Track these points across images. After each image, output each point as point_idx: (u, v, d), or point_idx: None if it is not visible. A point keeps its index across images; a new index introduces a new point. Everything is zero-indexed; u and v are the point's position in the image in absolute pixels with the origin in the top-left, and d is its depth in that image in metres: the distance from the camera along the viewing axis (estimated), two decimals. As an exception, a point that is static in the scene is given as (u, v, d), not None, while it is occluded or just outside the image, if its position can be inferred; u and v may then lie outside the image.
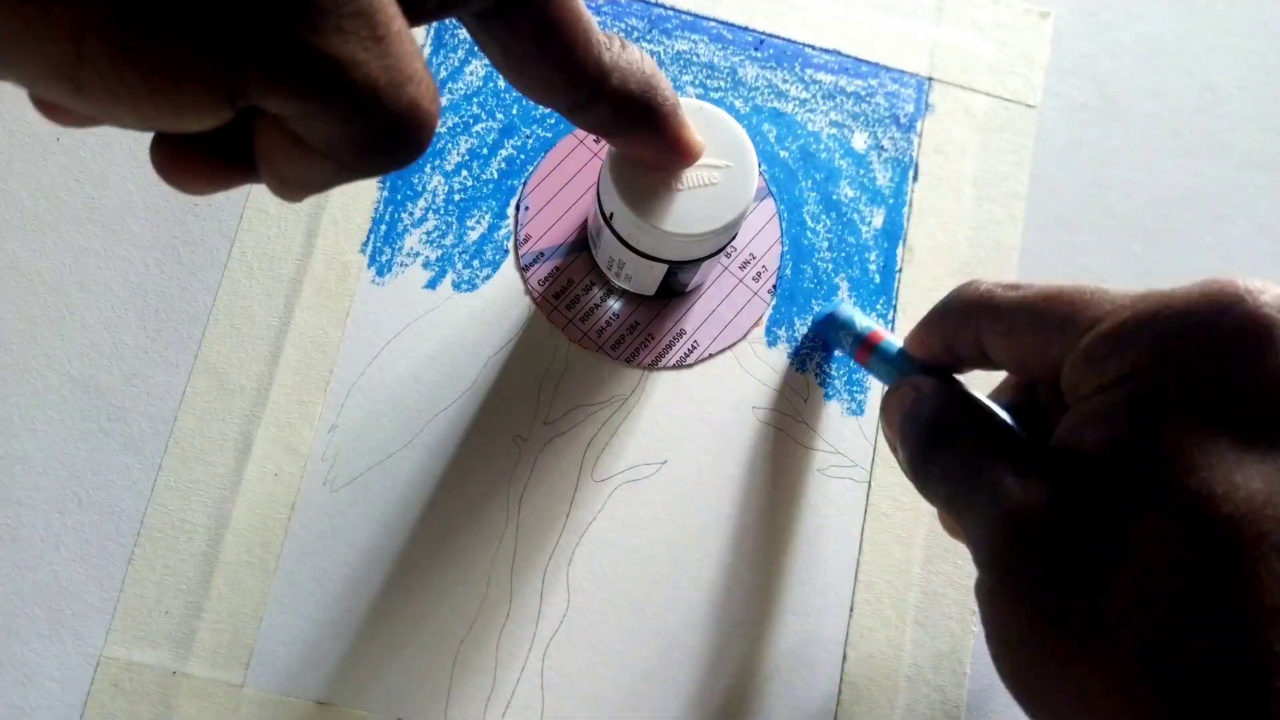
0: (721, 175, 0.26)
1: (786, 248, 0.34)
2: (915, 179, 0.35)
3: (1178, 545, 0.15)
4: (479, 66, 0.35)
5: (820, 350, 0.33)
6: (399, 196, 0.33)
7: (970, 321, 0.22)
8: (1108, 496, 0.16)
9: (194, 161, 0.15)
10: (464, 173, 0.34)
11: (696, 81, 0.36)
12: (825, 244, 0.35)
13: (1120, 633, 0.15)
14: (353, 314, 0.32)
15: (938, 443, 0.21)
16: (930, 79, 0.36)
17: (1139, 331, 0.18)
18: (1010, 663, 0.17)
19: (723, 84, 0.36)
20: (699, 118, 0.26)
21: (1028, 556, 0.17)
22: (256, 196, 0.33)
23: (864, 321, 0.29)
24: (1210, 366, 0.16)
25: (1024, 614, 0.17)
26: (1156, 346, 0.17)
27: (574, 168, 0.34)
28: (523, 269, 0.33)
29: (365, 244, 0.33)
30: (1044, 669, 0.16)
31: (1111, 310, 0.18)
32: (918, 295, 0.34)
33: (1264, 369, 0.16)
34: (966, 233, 0.35)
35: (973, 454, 0.20)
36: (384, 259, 0.33)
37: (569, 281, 0.33)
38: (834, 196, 0.35)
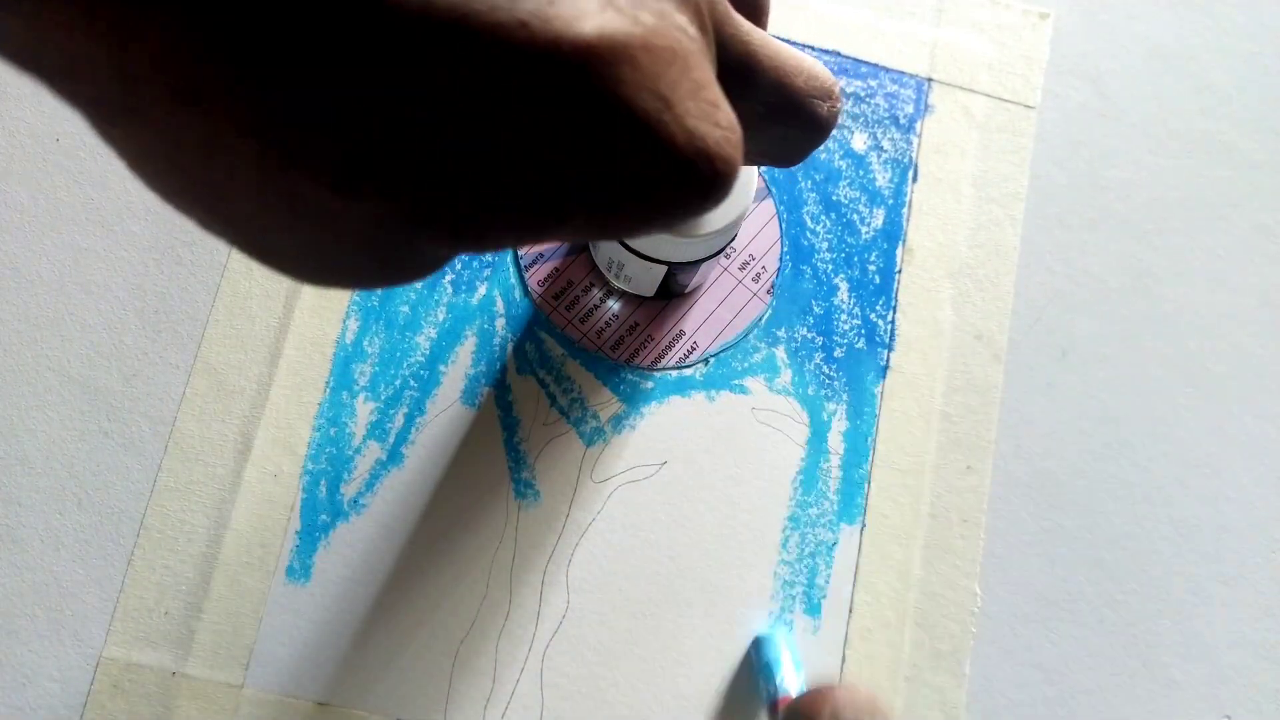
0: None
1: (786, 248, 0.34)
2: (915, 179, 0.35)
3: None
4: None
5: (820, 350, 0.33)
6: (399, 197, 0.33)
7: None
8: None
9: None
10: (464, 173, 0.34)
11: (696, 82, 0.36)
12: (825, 244, 0.35)
13: None
14: (352, 315, 0.32)
15: None
16: (930, 79, 0.36)
17: None
18: None
19: (722, 84, 0.36)
20: None
21: None
22: (256, 197, 0.33)
23: (783, 678, 0.29)
24: None
25: None
26: None
27: (574, 168, 0.34)
28: (523, 269, 0.33)
29: (365, 244, 0.33)
30: None
31: None
32: (917, 295, 0.34)
33: None
34: (966, 233, 0.35)
35: None
36: (384, 259, 0.33)
37: (569, 282, 0.33)
38: (834, 197, 0.35)
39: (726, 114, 0.13)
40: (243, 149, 0.10)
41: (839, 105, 0.17)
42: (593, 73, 0.11)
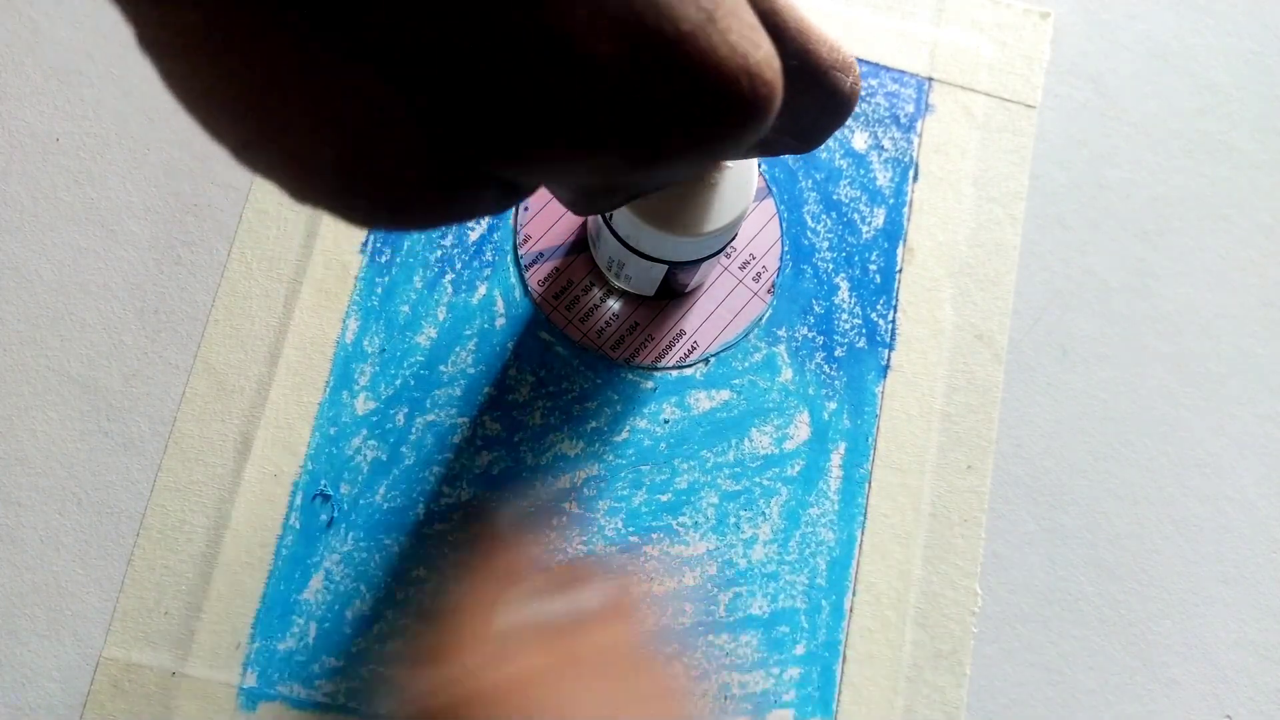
0: (721, 175, 0.26)
1: (786, 248, 0.34)
2: (915, 179, 0.35)
3: None
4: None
5: (820, 350, 0.33)
6: (399, 197, 0.33)
7: None
8: None
9: None
10: (464, 173, 0.34)
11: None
12: (825, 244, 0.35)
13: None
14: (352, 315, 0.32)
15: None
16: (930, 79, 0.36)
17: None
18: None
19: (722, 84, 0.36)
20: None
21: None
22: (256, 197, 0.33)
23: None
24: None
25: None
26: None
27: (574, 168, 0.34)
28: (523, 269, 0.33)
29: (364, 244, 0.33)
30: None
31: None
32: (918, 295, 0.34)
33: None
34: (966, 233, 0.35)
35: None
36: (383, 259, 0.33)
37: (569, 282, 0.33)
38: (834, 196, 0.35)
39: (766, 39, 0.12)
40: (292, 20, 0.10)
41: (860, 83, 0.17)
42: None
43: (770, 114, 0.13)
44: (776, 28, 0.14)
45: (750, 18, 0.12)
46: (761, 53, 0.12)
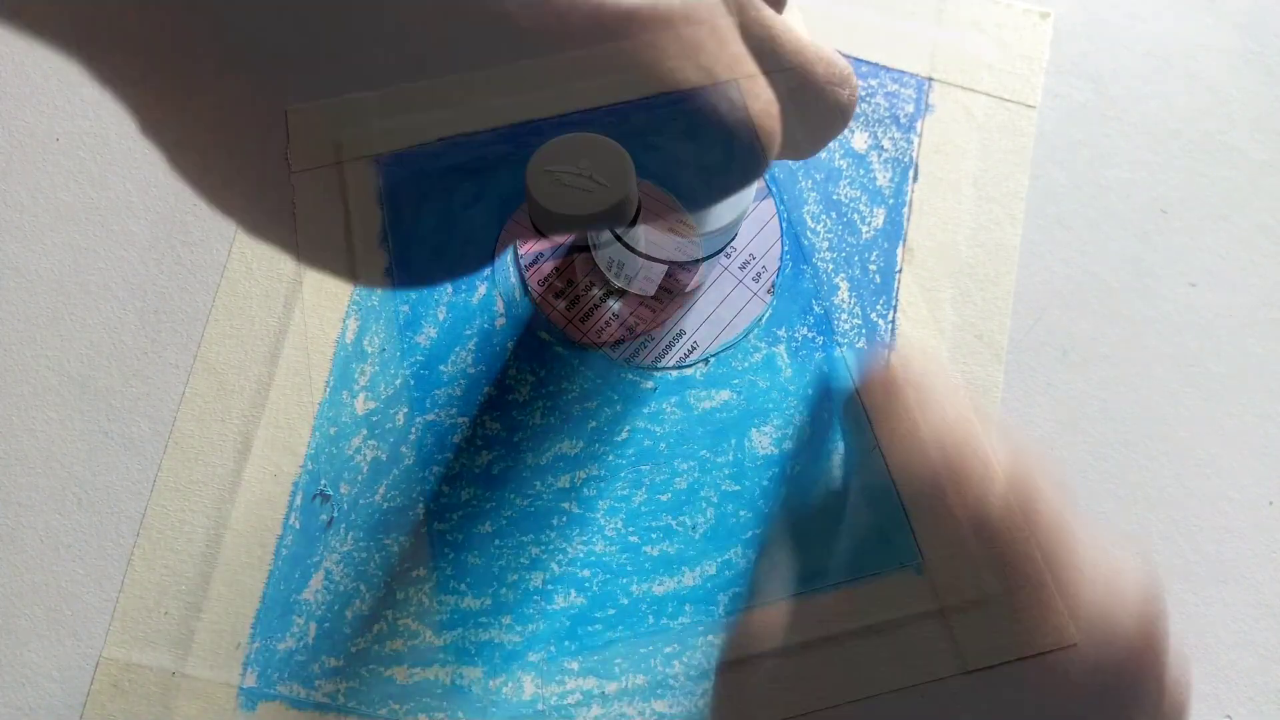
0: (721, 175, 0.26)
1: (786, 248, 0.34)
2: (915, 179, 0.35)
3: None
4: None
5: (820, 350, 0.33)
6: (399, 197, 0.33)
7: None
8: None
9: None
10: (464, 173, 0.34)
11: (696, 81, 0.35)
12: (825, 244, 0.35)
13: None
14: (352, 315, 0.32)
15: None
16: (930, 79, 0.36)
17: None
18: None
19: (722, 84, 0.36)
20: None
21: None
22: (256, 197, 0.33)
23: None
24: None
25: None
26: None
27: (574, 168, 0.34)
28: (523, 269, 0.33)
29: (365, 244, 0.33)
30: None
31: None
32: (918, 295, 0.34)
33: None
34: (966, 233, 0.35)
35: None
36: (384, 259, 0.33)
37: (569, 282, 0.33)
38: (834, 196, 0.35)
39: (765, 88, 0.13)
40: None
41: (857, 92, 0.17)
42: (635, 39, 0.11)
43: (771, 157, 0.14)
44: (774, 53, 0.15)
45: (750, 67, 0.13)
46: (760, 103, 0.13)
